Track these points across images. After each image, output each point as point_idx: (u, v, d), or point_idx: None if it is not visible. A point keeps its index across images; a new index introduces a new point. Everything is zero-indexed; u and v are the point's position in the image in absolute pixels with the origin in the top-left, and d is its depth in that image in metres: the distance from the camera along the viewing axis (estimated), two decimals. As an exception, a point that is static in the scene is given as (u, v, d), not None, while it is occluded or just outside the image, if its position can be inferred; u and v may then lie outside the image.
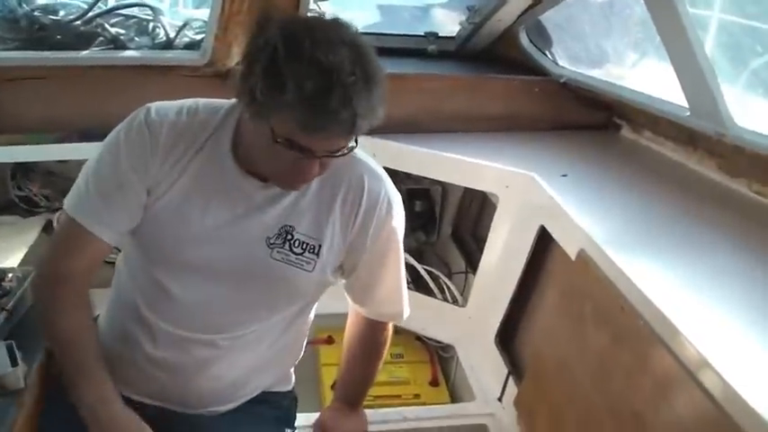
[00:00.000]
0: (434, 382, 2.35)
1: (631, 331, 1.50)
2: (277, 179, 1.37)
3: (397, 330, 2.42)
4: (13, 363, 1.29)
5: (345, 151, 1.27)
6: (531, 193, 2.08)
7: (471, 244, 2.75)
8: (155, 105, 1.40)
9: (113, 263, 1.57)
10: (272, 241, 1.42)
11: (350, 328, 1.73)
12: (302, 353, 1.70)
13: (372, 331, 1.69)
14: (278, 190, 1.40)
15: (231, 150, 1.38)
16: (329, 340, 2.44)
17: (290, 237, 1.42)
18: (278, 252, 1.42)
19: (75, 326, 1.40)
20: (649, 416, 1.42)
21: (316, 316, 1.70)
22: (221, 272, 1.43)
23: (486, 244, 2.33)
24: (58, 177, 2.44)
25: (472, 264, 2.55)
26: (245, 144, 1.36)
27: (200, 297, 1.45)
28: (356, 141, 1.29)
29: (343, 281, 1.59)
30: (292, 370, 1.71)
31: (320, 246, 1.44)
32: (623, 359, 1.52)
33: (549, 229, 1.98)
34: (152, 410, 1.44)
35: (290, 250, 1.42)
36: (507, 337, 2.14)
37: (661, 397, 1.39)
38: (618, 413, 1.51)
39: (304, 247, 1.43)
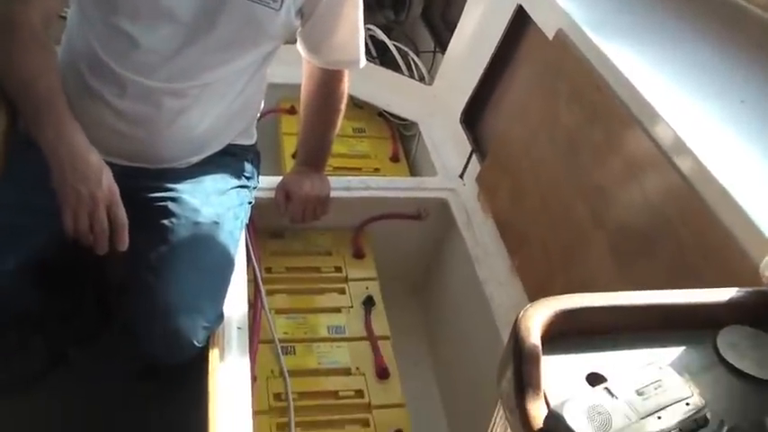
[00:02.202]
0: (395, 158, 2.36)
1: (606, 111, 1.50)
2: None
3: (360, 105, 2.43)
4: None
5: None
6: (510, -29, 2.00)
7: (440, 25, 2.67)
8: None
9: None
10: None
11: (306, 84, 1.72)
12: (262, 106, 1.69)
13: (329, 82, 1.69)
14: None
15: None
16: (291, 110, 2.41)
17: None
18: None
19: (34, 65, 1.35)
20: (615, 191, 1.45)
21: (278, 86, 1.69)
22: (189, 16, 1.38)
23: (459, 22, 2.27)
24: None
25: (441, 44, 2.50)
26: None
27: (169, 44, 1.41)
28: None
29: (301, 27, 1.56)
30: (254, 125, 1.70)
31: None
32: (595, 138, 1.53)
33: (527, 9, 1.92)
34: (119, 169, 1.41)
35: None
36: (473, 117, 2.13)
37: (630, 175, 1.42)
38: (583, 188, 1.54)
39: None
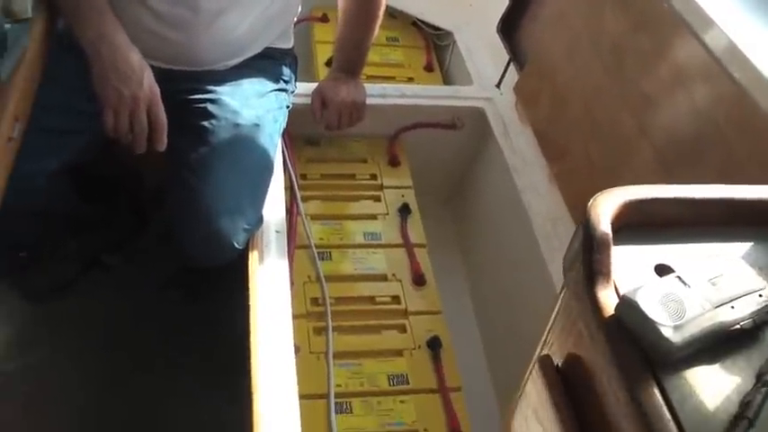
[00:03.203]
0: (429, 68, 2.31)
1: (654, 17, 1.45)
2: None
3: (393, 15, 2.37)
4: (20, -11, 1.20)
5: None
6: None
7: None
8: None
9: None
10: None
11: None
12: (299, 8, 1.65)
13: None
14: None
15: None
16: (324, 18, 2.36)
17: None
18: None
19: None
20: (662, 100, 1.42)
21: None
22: None
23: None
24: None
25: (477, -51, 2.42)
26: None
27: None
28: None
29: None
30: (292, 28, 1.67)
31: None
32: (642, 45, 1.49)
33: None
34: (157, 72, 1.40)
35: None
36: (510, 25, 2.07)
37: (679, 83, 1.38)
38: (628, 97, 1.50)
39: None
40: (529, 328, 1.62)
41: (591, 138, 1.59)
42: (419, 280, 1.66)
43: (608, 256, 0.63)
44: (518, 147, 1.84)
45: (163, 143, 1.38)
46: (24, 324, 1.80)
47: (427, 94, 2.00)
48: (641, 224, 0.70)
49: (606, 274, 0.63)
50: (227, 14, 1.45)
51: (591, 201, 0.67)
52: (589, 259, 0.63)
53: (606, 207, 0.66)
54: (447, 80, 2.33)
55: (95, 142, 1.45)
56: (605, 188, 1.48)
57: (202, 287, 1.77)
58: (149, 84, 1.34)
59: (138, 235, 1.90)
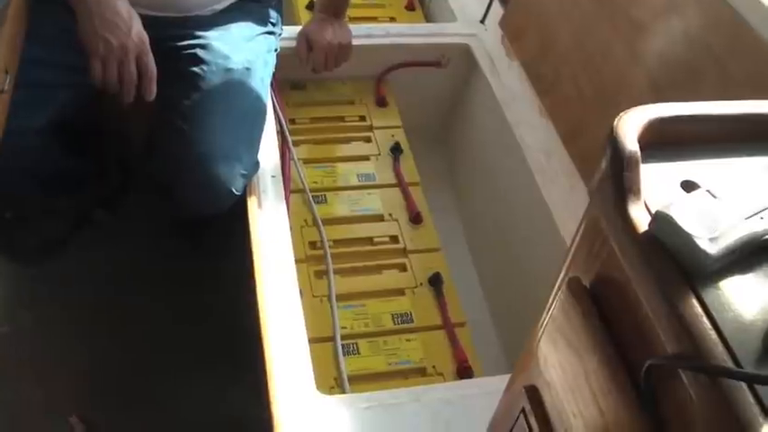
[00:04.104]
0: (410, 6, 2.27)
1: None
2: None
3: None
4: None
5: None
6: None
7: None
8: None
9: None
10: None
11: None
12: None
13: None
14: None
15: None
16: (302, -40, 2.31)
17: None
18: None
19: None
20: (654, 25, 1.41)
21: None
22: None
23: None
24: None
25: None
26: None
27: None
28: None
29: None
30: None
31: None
32: (631, -30, 1.48)
33: None
34: (144, 19, 1.37)
35: None
36: (494, -42, 2.05)
37: (670, 7, 1.38)
38: (618, 24, 1.50)
39: None
40: (527, 261, 1.65)
41: (582, 68, 1.58)
42: (416, 218, 1.66)
43: (637, 173, 0.63)
44: (507, 81, 1.83)
45: (152, 92, 1.36)
46: (16, 285, 1.79)
47: (412, 32, 1.98)
48: (664, 142, 0.70)
49: (637, 192, 0.63)
50: None
51: (617, 120, 0.66)
52: (619, 177, 0.63)
53: (632, 125, 0.66)
54: (429, 18, 2.30)
55: (83, 96, 1.43)
56: (599, 119, 1.49)
57: (200, 236, 1.76)
58: (138, 32, 1.31)
59: (128, 189, 1.88)
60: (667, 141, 0.70)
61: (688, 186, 0.67)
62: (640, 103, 1.42)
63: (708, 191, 0.63)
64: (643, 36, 1.44)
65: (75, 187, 1.74)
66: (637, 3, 1.46)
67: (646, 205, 0.64)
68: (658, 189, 0.67)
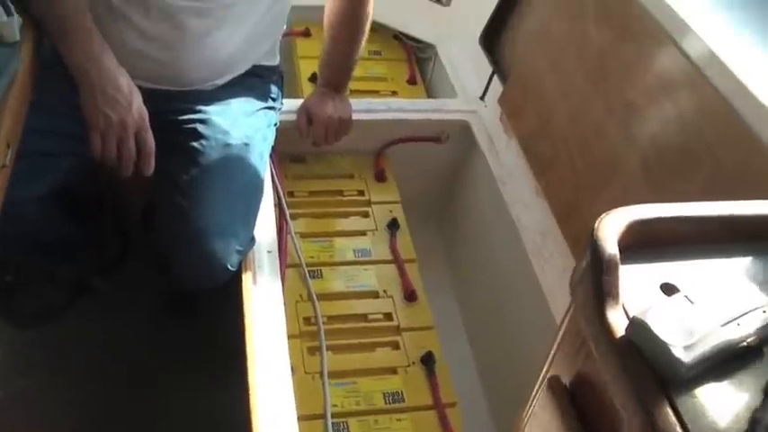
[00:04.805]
0: (412, 81, 2.32)
1: (637, 27, 1.47)
2: None
3: (375, 27, 2.35)
4: (8, 13, 1.19)
5: None
6: None
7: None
8: None
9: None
10: None
11: (330, 4, 1.67)
12: (285, 26, 1.66)
13: (353, 3, 1.64)
14: None
15: None
16: (306, 32, 2.36)
17: None
18: None
19: None
20: (648, 110, 1.43)
21: (293, 8, 1.64)
22: None
23: (478, -61, 2.22)
24: None
25: (457, -38, 2.44)
26: None
27: None
28: None
29: None
30: (278, 45, 1.67)
31: None
32: (626, 56, 1.50)
33: None
34: (145, 92, 1.39)
35: None
36: (493, 38, 2.08)
37: (663, 93, 1.40)
38: (613, 107, 1.52)
39: None
40: (521, 342, 1.64)
41: (577, 150, 1.60)
42: (411, 296, 1.66)
43: (616, 277, 0.64)
44: (504, 159, 1.85)
45: (150, 168, 1.38)
46: (12, 350, 1.78)
47: (412, 108, 2.01)
48: (645, 243, 0.70)
49: (615, 296, 0.64)
50: (214, 34, 1.45)
51: (597, 222, 0.67)
52: (598, 281, 0.64)
53: (613, 227, 0.67)
54: (430, 93, 2.34)
55: (83, 165, 1.44)
56: (592, 200, 1.50)
57: (195, 309, 1.76)
58: (138, 108, 1.33)
59: (126, 258, 1.89)
60: (648, 242, 0.71)
61: (667, 289, 0.68)
62: (634, 188, 1.45)
63: (686, 296, 0.64)
64: (638, 120, 1.46)
65: (74, 255, 1.75)
66: (632, 87, 1.48)
67: (624, 309, 0.65)
68: (638, 291, 0.67)
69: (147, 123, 1.34)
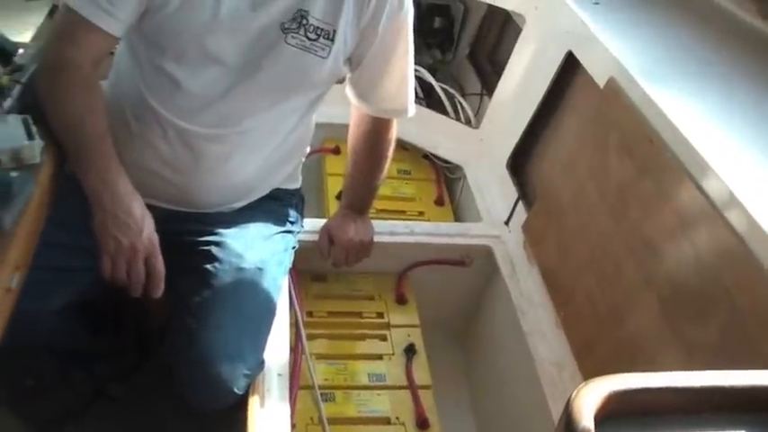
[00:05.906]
0: (440, 202, 2.34)
1: (657, 163, 1.47)
2: None
3: (405, 147, 2.42)
4: (30, 137, 1.24)
5: None
6: (561, 16, 1.98)
7: (487, 67, 2.67)
8: None
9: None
10: (286, 26, 1.37)
11: (354, 130, 1.71)
12: (308, 150, 1.68)
13: (377, 129, 1.68)
14: None
15: None
16: (336, 150, 2.41)
17: (304, 21, 1.38)
18: (293, 37, 1.38)
19: (81, 107, 1.34)
20: (666, 248, 1.42)
21: (323, 125, 1.68)
22: (234, 60, 1.39)
23: (507, 66, 2.26)
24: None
25: (488, 86, 2.49)
26: None
27: (212, 88, 1.41)
28: None
29: (350, 74, 1.56)
30: (300, 169, 1.69)
31: (334, 31, 1.41)
32: (645, 191, 1.50)
33: (578, 55, 1.90)
34: (161, 212, 1.43)
35: (305, 36, 1.39)
36: (519, 162, 2.11)
37: (681, 232, 1.38)
38: (632, 244, 1.50)
39: (318, 32, 1.39)
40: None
41: (596, 284, 1.58)
42: (423, 424, 1.63)
43: (589, 452, 0.62)
44: (525, 288, 1.84)
45: (159, 291, 1.37)
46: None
47: (436, 231, 2.01)
48: (627, 413, 0.68)
49: (588, 472, 0.62)
50: (232, 159, 1.48)
51: (574, 393, 0.65)
52: (570, 457, 0.62)
53: (589, 399, 0.65)
54: (457, 214, 2.35)
55: (100, 281, 1.46)
56: (610, 338, 1.47)
57: (203, 427, 1.74)
58: (149, 234, 1.34)
59: (144, 367, 1.90)
60: (631, 412, 0.69)
61: (649, 464, 0.65)
62: (651, 327, 1.41)
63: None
64: (656, 259, 1.44)
65: (92, 361, 1.77)
66: (651, 222, 1.47)
67: (598, 487, 0.62)
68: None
69: (158, 249, 1.36)
